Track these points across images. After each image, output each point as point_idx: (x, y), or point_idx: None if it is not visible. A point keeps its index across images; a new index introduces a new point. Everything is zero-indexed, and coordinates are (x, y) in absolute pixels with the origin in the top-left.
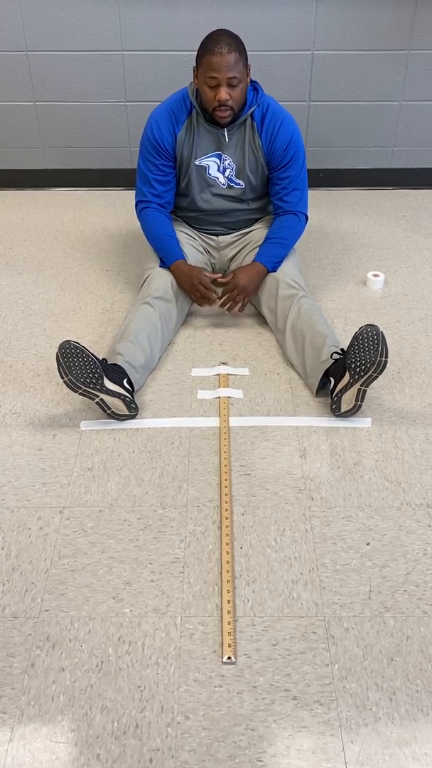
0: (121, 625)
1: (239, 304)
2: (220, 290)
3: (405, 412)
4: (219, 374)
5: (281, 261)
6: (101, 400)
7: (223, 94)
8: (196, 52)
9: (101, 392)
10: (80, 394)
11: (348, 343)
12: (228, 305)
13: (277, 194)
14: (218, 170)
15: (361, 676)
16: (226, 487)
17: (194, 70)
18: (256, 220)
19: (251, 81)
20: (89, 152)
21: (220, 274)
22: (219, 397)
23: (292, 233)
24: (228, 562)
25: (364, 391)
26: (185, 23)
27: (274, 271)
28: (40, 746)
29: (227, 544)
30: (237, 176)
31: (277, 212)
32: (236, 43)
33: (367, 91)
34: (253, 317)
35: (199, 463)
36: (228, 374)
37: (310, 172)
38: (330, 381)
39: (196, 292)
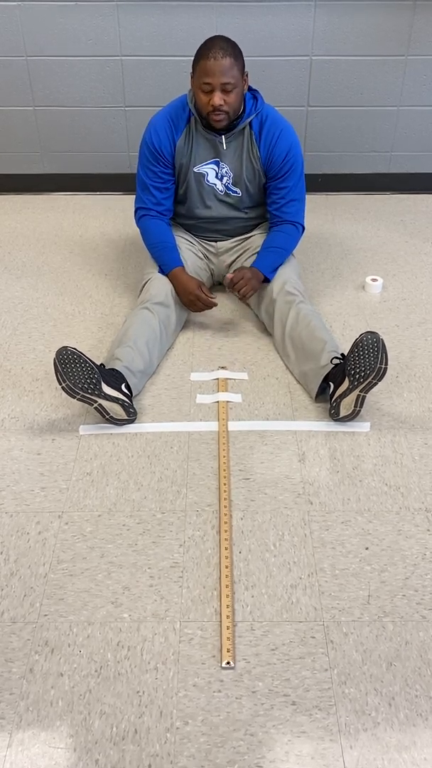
0: (120, 630)
1: (248, 286)
2: (218, 299)
3: (403, 417)
4: (218, 378)
5: (278, 269)
6: (99, 405)
7: (217, 99)
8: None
9: (99, 397)
10: (78, 399)
11: (347, 348)
12: (238, 287)
13: (274, 204)
14: (216, 177)
15: (360, 681)
16: (225, 491)
17: (191, 76)
18: (254, 227)
19: (251, 90)
20: (88, 157)
21: (214, 297)
22: (218, 402)
23: (290, 242)
24: (227, 567)
25: (364, 397)
26: (184, 29)
27: (271, 279)
28: (39, 752)
29: (226, 548)
30: (234, 184)
31: (274, 221)
32: (231, 49)
33: (366, 97)
34: (252, 322)
35: (198, 468)
36: (227, 378)
37: (308, 177)
38: (329, 386)
39: (193, 306)
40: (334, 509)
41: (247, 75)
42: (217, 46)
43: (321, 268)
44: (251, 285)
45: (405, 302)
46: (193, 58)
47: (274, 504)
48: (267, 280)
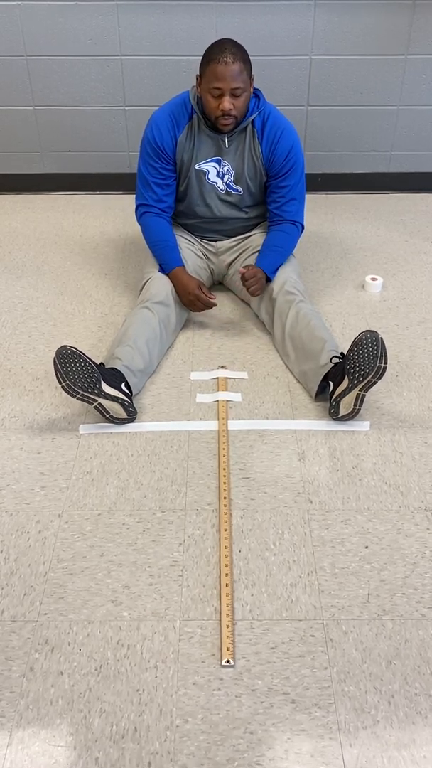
0: (119, 628)
1: (257, 285)
2: (217, 299)
3: (403, 416)
4: (218, 378)
5: (278, 269)
6: (99, 404)
7: (227, 104)
8: (195, 58)
9: (99, 396)
10: (78, 398)
11: (346, 347)
12: (249, 284)
13: (274, 203)
14: (217, 175)
15: (359, 679)
16: (224, 490)
17: (197, 78)
18: (254, 226)
19: (254, 89)
20: (88, 157)
21: (214, 297)
22: (218, 401)
23: (289, 241)
24: (227, 566)
25: (363, 396)
26: (184, 28)
27: (272, 279)
28: (39, 750)
29: (226, 547)
30: (235, 182)
31: (274, 220)
32: (241, 53)
33: (365, 96)
34: (251, 321)
35: (197, 467)
36: (227, 378)
37: (308, 176)
38: (329, 385)
39: (193, 306)
40: (334, 508)
41: (253, 78)
42: (227, 50)
43: (321, 268)
44: (261, 284)
45: (405, 301)
46: (196, 59)
47: (273, 503)
48: (268, 280)
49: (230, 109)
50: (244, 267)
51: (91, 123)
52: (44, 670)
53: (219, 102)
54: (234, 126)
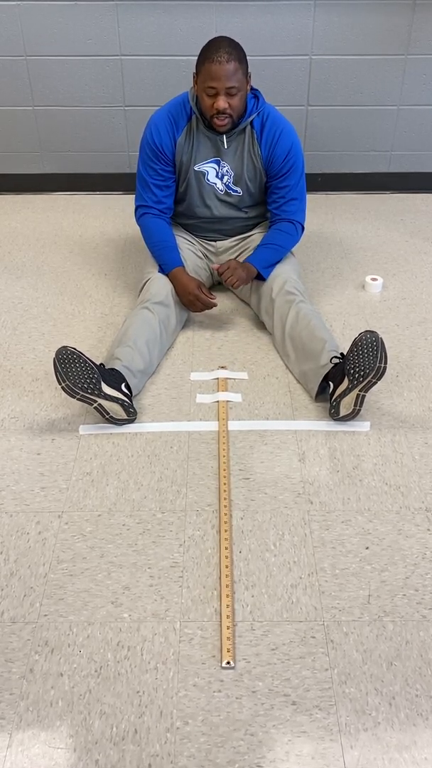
0: (119, 629)
1: (233, 276)
2: (218, 299)
3: (404, 416)
4: (218, 378)
5: (273, 266)
6: (99, 405)
7: (222, 103)
8: (195, 57)
9: (99, 397)
10: (78, 399)
11: (347, 348)
12: (224, 276)
13: (274, 203)
14: (216, 176)
15: (360, 680)
16: (225, 491)
17: (194, 77)
18: (254, 226)
19: (252, 89)
20: (88, 157)
21: (214, 297)
22: (218, 401)
23: (288, 240)
24: (227, 567)
25: (363, 396)
26: (184, 28)
27: (266, 276)
28: (39, 752)
29: (226, 548)
30: (235, 183)
31: (273, 220)
32: (236, 52)
33: (365, 96)
34: (251, 321)
35: (198, 468)
36: (227, 378)
37: (308, 176)
38: (329, 385)
39: (193, 306)
40: (334, 509)
41: (250, 76)
42: (222, 49)
43: (321, 268)
44: (237, 274)
45: (405, 301)
46: (196, 59)
47: (274, 504)
48: (261, 277)
49: (225, 108)
50: (215, 264)
51: (91, 123)
52: (44, 671)
53: (214, 101)
54: (231, 125)
